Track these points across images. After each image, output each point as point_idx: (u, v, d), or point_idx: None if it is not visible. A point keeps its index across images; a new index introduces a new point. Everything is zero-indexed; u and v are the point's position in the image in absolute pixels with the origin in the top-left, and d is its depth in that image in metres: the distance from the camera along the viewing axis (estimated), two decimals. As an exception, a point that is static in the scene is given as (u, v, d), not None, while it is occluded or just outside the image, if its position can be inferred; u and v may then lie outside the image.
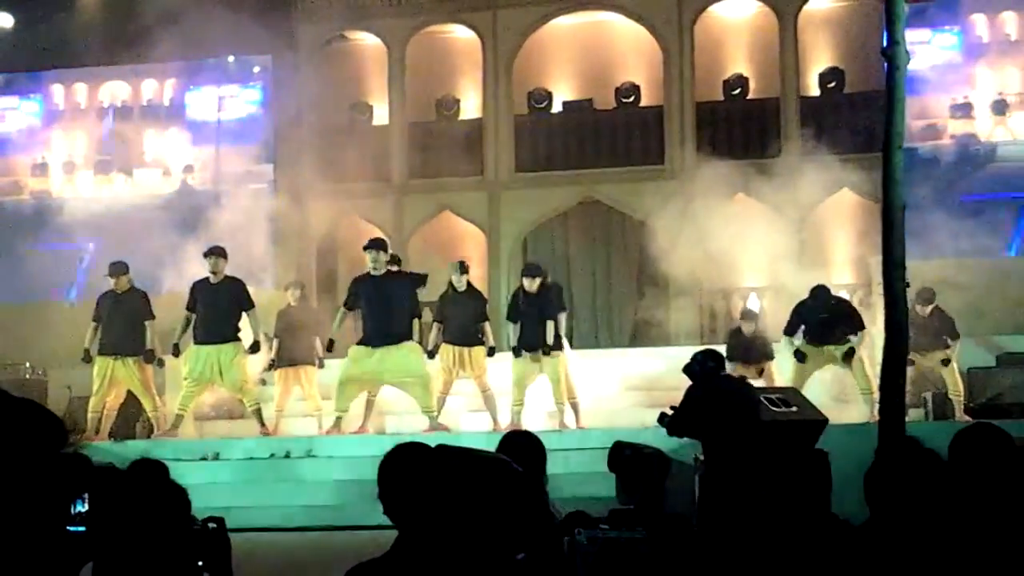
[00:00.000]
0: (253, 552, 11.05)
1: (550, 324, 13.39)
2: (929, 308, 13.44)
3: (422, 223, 19.07)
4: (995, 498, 3.95)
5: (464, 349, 13.69)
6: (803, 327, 13.19)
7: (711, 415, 9.36)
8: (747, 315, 14.31)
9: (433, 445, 3.88)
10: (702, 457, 9.58)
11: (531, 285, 13.63)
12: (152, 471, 3.64)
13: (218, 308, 13.62)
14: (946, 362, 13.31)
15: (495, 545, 3.82)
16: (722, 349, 13.54)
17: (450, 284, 13.96)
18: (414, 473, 3.55)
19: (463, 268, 14.02)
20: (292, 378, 14.27)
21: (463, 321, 13.73)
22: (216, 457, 13.30)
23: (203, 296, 13.72)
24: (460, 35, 19.36)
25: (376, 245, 13.60)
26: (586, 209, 18.83)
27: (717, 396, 9.41)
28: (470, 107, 19.36)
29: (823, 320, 13.02)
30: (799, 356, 13.10)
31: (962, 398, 13.27)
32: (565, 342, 13.73)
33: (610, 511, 7.80)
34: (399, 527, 3.52)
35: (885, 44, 9.06)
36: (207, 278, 13.81)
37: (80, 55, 18.95)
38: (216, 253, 13.82)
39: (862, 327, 13.07)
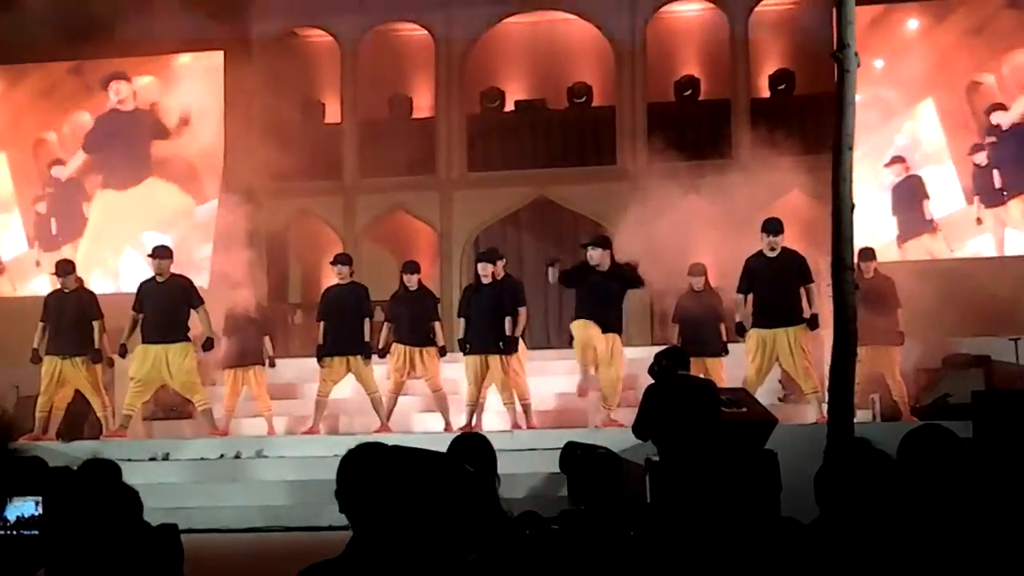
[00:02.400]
0: (203, 553, 10.99)
1: (507, 320, 13.32)
2: (872, 266, 13.46)
3: (374, 222, 19.03)
4: (944, 498, 4.00)
5: (415, 349, 13.69)
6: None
7: (663, 414, 9.40)
8: (695, 271, 14.06)
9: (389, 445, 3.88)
10: (655, 458, 9.59)
11: (485, 271, 13.55)
12: (105, 471, 3.61)
13: (165, 307, 13.56)
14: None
15: (448, 545, 3.83)
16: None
17: (401, 284, 13.98)
18: (373, 473, 3.56)
19: (414, 268, 14.04)
20: (241, 379, 14.21)
21: (414, 321, 13.73)
22: (166, 457, 13.24)
23: (150, 296, 13.66)
24: (413, 34, 19.33)
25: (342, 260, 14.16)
26: (538, 209, 18.86)
27: (669, 395, 9.45)
28: (423, 106, 19.34)
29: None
30: (739, 329, 13.00)
31: (905, 399, 13.37)
32: (520, 341, 13.70)
33: (561, 512, 7.82)
34: (355, 527, 3.53)
35: (835, 47, 9.14)
36: (154, 277, 13.75)
37: (20, 52, 18.64)
38: (160, 254, 13.76)
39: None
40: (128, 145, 18.92)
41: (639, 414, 9.56)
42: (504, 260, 14.03)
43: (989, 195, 16.86)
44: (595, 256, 13.08)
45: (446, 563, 3.72)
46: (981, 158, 16.88)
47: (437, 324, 13.86)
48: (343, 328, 13.70)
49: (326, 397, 13.82)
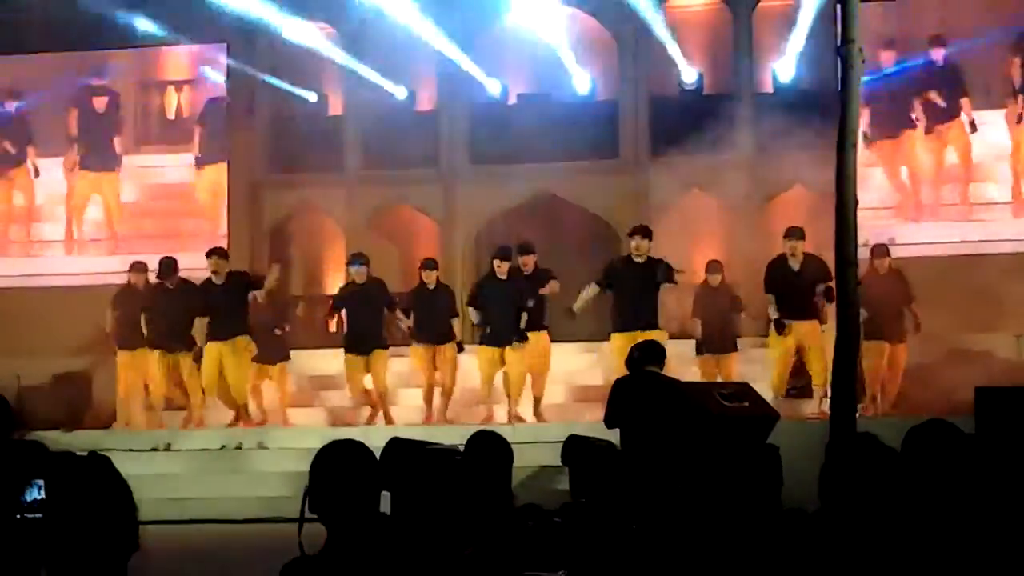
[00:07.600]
0: (204, 543, 11.02)
1: (523, 314, 13.55)
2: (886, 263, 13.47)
3: (376, 214, 19.00)
4: (949, 494, 4.00)
5: (435, 347, 14.03)
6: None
7: (626, 407, 9.45)
8: (712, 268, 14.25)
9: (384, 440, 3.88)
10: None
11: (500, 269, 13.78)
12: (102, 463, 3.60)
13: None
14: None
15: (438, 537, 3.83)
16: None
17: (420, 281, 14.26)
18: (343, 470, 3.58)
19: (432, 264, 14.37)
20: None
21: (434, 319, 14.00)
22: (168, 448, 13.25)
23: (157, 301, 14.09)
24: (415, 26, 19.24)
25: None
26: (540, 202, 18.81)
27: (633, 390, 9.52)
28: (425, 99, 19.28)
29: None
30: (779, 326, 12.99)
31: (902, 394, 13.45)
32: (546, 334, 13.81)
33: (562, 504, 7.82)
34: (326, 524, 3.55)
35: (839, 43, 9.12)
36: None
37: (23, 43, 18.56)
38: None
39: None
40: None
41: (607, 405, 9.69)
42: (535, 255, 14.06)
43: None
44: (643, 246, 13.10)
45: (440, 556, 3.72)
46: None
47: (455, 321, 14.17)
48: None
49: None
